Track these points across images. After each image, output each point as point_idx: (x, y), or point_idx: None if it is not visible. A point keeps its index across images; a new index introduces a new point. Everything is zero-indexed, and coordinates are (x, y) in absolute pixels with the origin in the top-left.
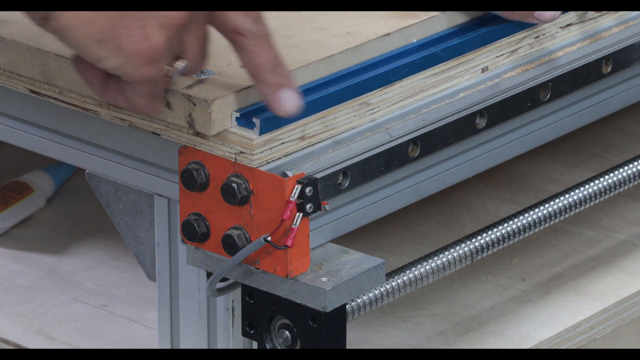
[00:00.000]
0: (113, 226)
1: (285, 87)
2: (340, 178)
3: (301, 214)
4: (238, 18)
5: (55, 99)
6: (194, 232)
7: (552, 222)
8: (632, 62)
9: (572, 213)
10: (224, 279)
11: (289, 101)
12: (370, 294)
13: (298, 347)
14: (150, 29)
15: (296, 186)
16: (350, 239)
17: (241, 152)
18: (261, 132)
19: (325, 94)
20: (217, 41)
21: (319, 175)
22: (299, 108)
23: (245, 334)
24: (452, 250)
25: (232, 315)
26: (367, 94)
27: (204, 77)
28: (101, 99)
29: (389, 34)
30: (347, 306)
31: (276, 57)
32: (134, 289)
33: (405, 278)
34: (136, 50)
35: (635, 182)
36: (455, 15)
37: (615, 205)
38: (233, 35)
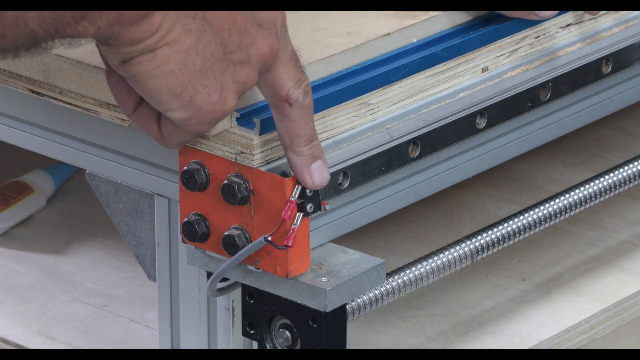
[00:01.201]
0: (113, 226)
1: (319, 160)
2: (341, 178)
3: (301, 214)
4: (290, 87)
5: (55, 99)
6: (194, 232)
7: (552, 222)
8: (632, 62)
9: (572, 213)
10: (224, 279)
11: (321, 174)
12: (370, 294)
13: (298, 347)
14: (228, 92)
15: (296, 186)
16: (350, 239)
17: (241, 152)
18: (261, 132)
19: (326, 94)
20: None
21: None
22: (328, 181)
23: (245, 334)
24: (452, 250)
25: (232, 315)
26: (367, 94)
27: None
28: (128, 118)
29: (389, 34)
30: (347, 306)
31: (314, 131)
32: (134, 289)
33: (405, 278)
34: (210, 110)
35: (635, 182)
36: (455, 15)
37: (615, 205)
38: (280, 102)
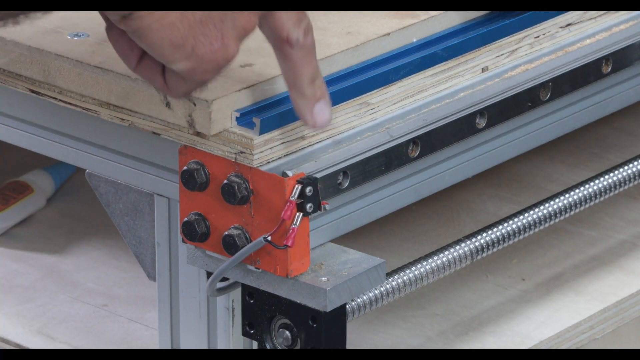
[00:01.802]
0: (113, 226)
1: (322, 100)
2: (340, 178)
3: (301, 214)
4: (290, 27)
5: (55, 99)
6: (194, 231)
7: (552, 222)
8: (632, 62)
9: (572, 213)
10: (224, 279)
11: (323, 114)
12: (370, 294)
13: (298, 347)
14: (229, 39)
15: (296, 186)
16: (350, 238)
17: (241, 152)
18: (261, 132)
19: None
20: None
21: (319, 175)
22: (330, 122)
23: (245, 333)
24: (452, 250)
25: (232, 315)
26: (367, 93)
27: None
28: (133, 72)
29: (389, 34)
30: (347, 306)
31: (317, 70)
32: (134, 289)
33: (405, 278)
34: (213, 58)
35: (635, 182)
36: (455, 15)
37: (615, 205)
38: (280, 43)
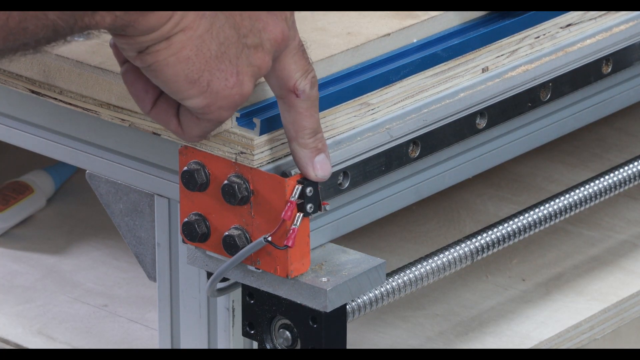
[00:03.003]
0: (113, 226)
1: (322, 153)
2: (341, 178)
3: (301, 214)
4: (298, 77)
5: (55, 99)
6: (194, 232)
7: (552, 222)
8: (632, 62)
9: (572, 213)
10: (224, 279)
11: (325, 166)
12: (370, 294)
13: (298, 347)
14: (244, 76)
15: (297, 186)
16: (351, 239)
17: (241, 152)
18: (261, 132)
19: (326, 94)
20: None
21: None
22: (330, 174)
23: (245, 334)
24: (452, 251)
25: (232, 315)
26: (368, 94)
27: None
28: (147, 115)
29: (389, 34)
30: (347, 306)
31: (319, 123)
32: (134, 289)
33: (405, 278)
34: (228, 94)
35: (636, 182)
36: (455, 15)
37: (615, 206)
38: (287, 93)
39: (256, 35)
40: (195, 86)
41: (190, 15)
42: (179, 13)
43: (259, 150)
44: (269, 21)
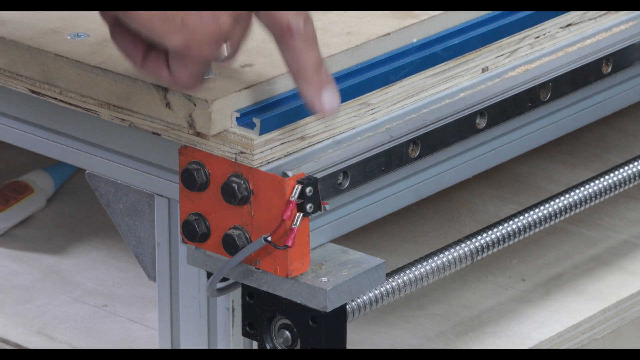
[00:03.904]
0: (113, 226)
1: (328, 86)
2: (341, 178)
3: (301, 214)
4: (290, 16)
5: (55, 99)
6: (194, 232)
7: (552, 222)
8: (632, 62)
9: (572, 213)
10: (224, 279)
11: (331, 100)
12: (370, 294)
13: (298, 347)
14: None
15: (296, 186)
16: (351, 239)
17: (241, 152)
18: (261, 132)
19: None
20: None
21: (319, 175)
22: (339, 106)
23: (245, 334)
24: (452, 251)
25: (232, 315)
26: (367, 94)
27: (204, 77)
28: (139, 71)
29: (389, 34)
30: (347, 306)
31: (320, 57)
32: (134, 289)
33: (405, 278)
34: (204, 30)
35: (636, 182)
36: (455, 15)
37: (615, 206)
38: (281, 34)
39: None
40: (171, 23)
41: None
42: None
43: (259, 150)
44: None
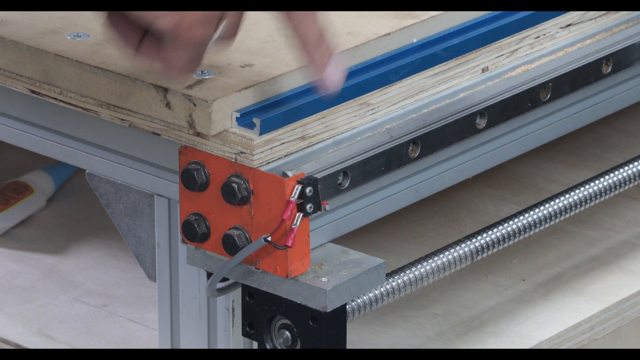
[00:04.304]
0: (113, 226)
1: (332, 56)
2: (341, 178)
3: (301, 214)
4: None
5: (55, 99)
6: (194, 232)
7: (552, 222)
8: (632, 62)
9: (572, 213)
10: (224, 279)
11: (334, 75)
12: (370, 294)
13: (298, 347)
14: None
15: (296, 186)
16: (351, 239)
17: (241, 152)
18: (261, 132)
19: (326, 94)
20: None
21: (319, 176)
22: (343, 79)
23: (245, 334)
24: (452, 251)
25: (232, 315)
26: (367, 94)
27: (204, 77)
28: (134, 58)
29: (389, 34)
30: (347, 306)
31: (320, 28)
32: (134, 289)
33: (405, 278)
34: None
35: (636, 182)
36: (455, 15)
37: (615, 206)
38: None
39: None
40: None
41: None
42: None
43: (259, 150)
44: None
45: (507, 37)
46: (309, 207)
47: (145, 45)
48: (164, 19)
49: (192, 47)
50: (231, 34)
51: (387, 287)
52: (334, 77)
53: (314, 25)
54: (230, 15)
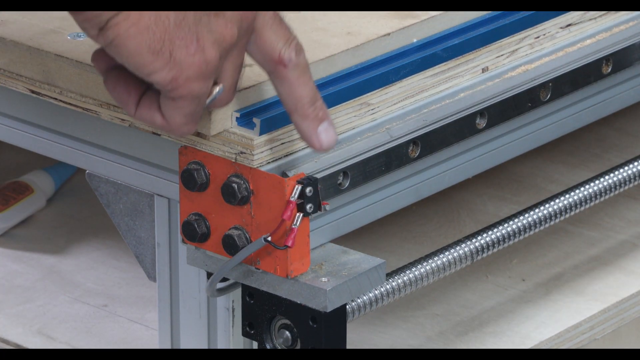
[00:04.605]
0: (113, 226)
1: (325, 121)
2: (341, 178)
3: (301, 214)
4: (281, 47)
5: (56, 99)
6: (194, 232)
7: (552, 223)
8: (632, 62)
9: (572, 213)
10: (224, 279)
11: (329, 134)
12: (370, 294)
13: (298, 347)
14: (206, 42)
15: (296, 186)
16: (351, 239)
17: (241, 152)
18: (261, 132)
19: (326, 94)
20: None
21: (319, 176)
22: (336, 141)
23: (245, 334)
24: (452, 251)
25: (232, 315)
26: (367, 94)
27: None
28: (133, 118)
29: (389, 34)
30: (347, 306)
31: (316, 90)
32: (134, 289)
33: (405, 278)
34: (191, 62)
35: (636, 183)
36: (455, 15)
37: (615, 206)
38: (274, 65)
39: None
40: (159, 57)
41: None
42: None
43: (259, 150)
44: None
45: (507, 37)
46: (309, 207)
47: (143, 106)
48: (161, 73)
49: (189, 101)
50: (226, 99)
51: (387, 287)
52: (326, 140)
53: (308, 85)
54: (226, 78)
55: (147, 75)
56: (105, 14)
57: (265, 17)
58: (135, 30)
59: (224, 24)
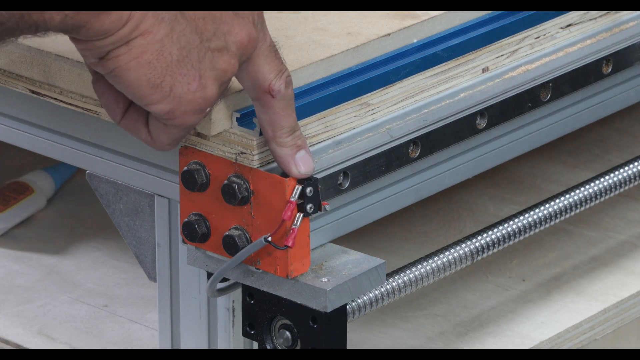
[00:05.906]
0: (113, 226)
1: (303, 149)
2: (341, 178)
3: (302, 214)
4: (272, 78)
5: (56, 99)
6: (194, 232)
7: (552, 223)
8: (632, 62)
9: (572, 213)
10: (224, 279)
11: (306, 162)
12: (370, 294)
13: (298, 347)
14: (208, 79)
15: (297, 186)
16: (351, 239)
17: (242, 153)
18: (261, 133)
19: (326, 94)
20: None
21: (319, 176)
22: (314, 169)
23: (245, 334)
24: (452, 251)
25: (232, 315)
26: (368, 94)
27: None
28: (117, 124)
29: (389, 34)
30: (347, 306)
31: (296, 122)
32: (134, 290)
33: (405, 278)
34: (191, 98)
35: (636, 183)
36: (455, 15)
37: (615, 206)
38: (262, 94)
39: (220, 38)
40: (158, 91)
41: (149, 19)
42: (136, 17)
43: (259, 151)
44: (235, 24)
45: (508, 38)
46: (309, 207)
47: (130, 117)
48: (159, 105)
49: (180, 129)
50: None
51: (387, 287)
52: (304, 168)
53: (290, 117)
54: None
55: (144, 105)
56: (107, 45)
57: (262, 48)
58: (136, 64)
59: (228, 60)
